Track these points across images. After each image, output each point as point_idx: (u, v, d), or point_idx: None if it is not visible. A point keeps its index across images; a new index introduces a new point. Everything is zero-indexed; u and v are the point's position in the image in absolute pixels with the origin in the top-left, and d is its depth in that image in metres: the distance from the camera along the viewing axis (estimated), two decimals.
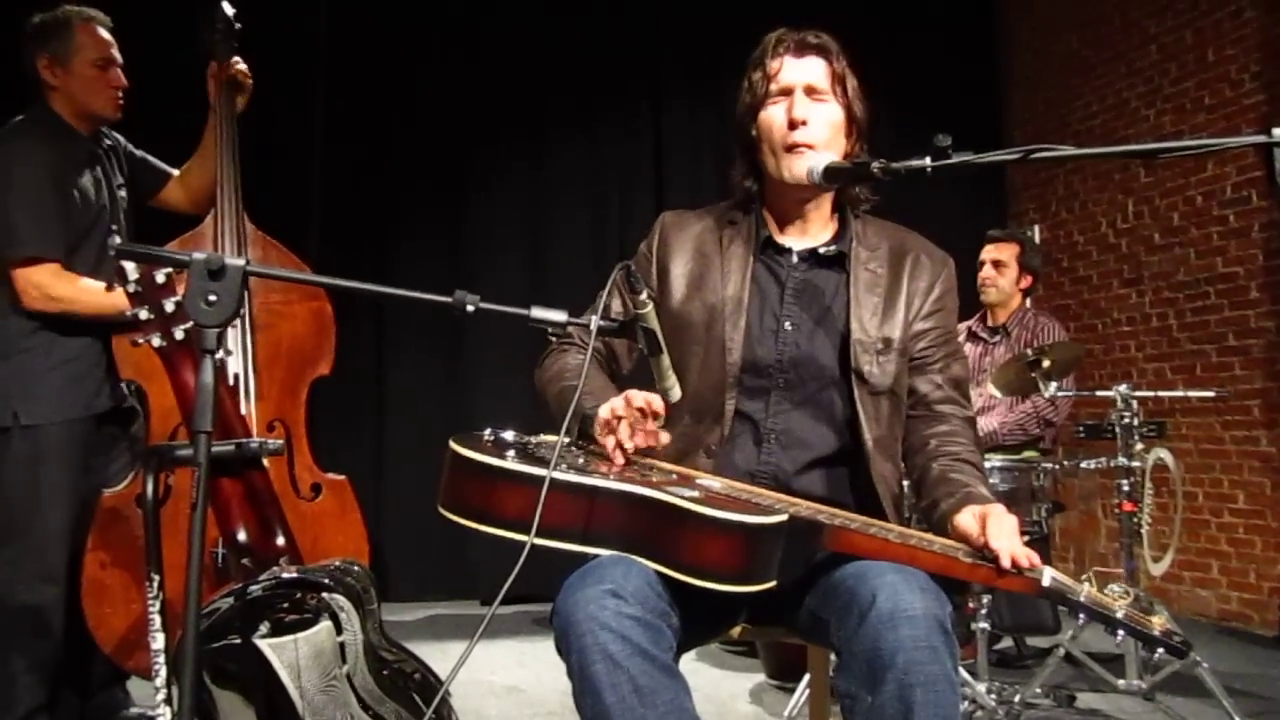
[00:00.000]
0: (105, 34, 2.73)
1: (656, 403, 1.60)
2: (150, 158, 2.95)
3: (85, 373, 2.64)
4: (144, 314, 2.14)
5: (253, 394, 2.74)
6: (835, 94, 1.77)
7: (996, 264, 3.92)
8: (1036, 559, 1.52)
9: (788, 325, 1.79)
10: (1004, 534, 1.51)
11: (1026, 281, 3.94)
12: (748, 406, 1.77)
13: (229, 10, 2.84)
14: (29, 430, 2.57)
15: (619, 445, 1.59)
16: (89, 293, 2.56)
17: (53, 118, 2.68)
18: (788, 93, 1.76)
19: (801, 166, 1.74)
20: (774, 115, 1.77)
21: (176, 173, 2.98)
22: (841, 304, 1.80)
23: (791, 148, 1.75)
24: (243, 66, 2.87)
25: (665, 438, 1.63)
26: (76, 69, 2.67)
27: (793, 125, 1.75)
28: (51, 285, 2.55)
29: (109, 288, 2.24)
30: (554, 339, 1.87)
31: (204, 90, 2.87)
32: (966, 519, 1.58)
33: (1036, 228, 5.73)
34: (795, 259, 1.83)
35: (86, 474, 2.65)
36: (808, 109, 1.75)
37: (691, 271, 1.83)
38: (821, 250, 1.83)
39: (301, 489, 2.78)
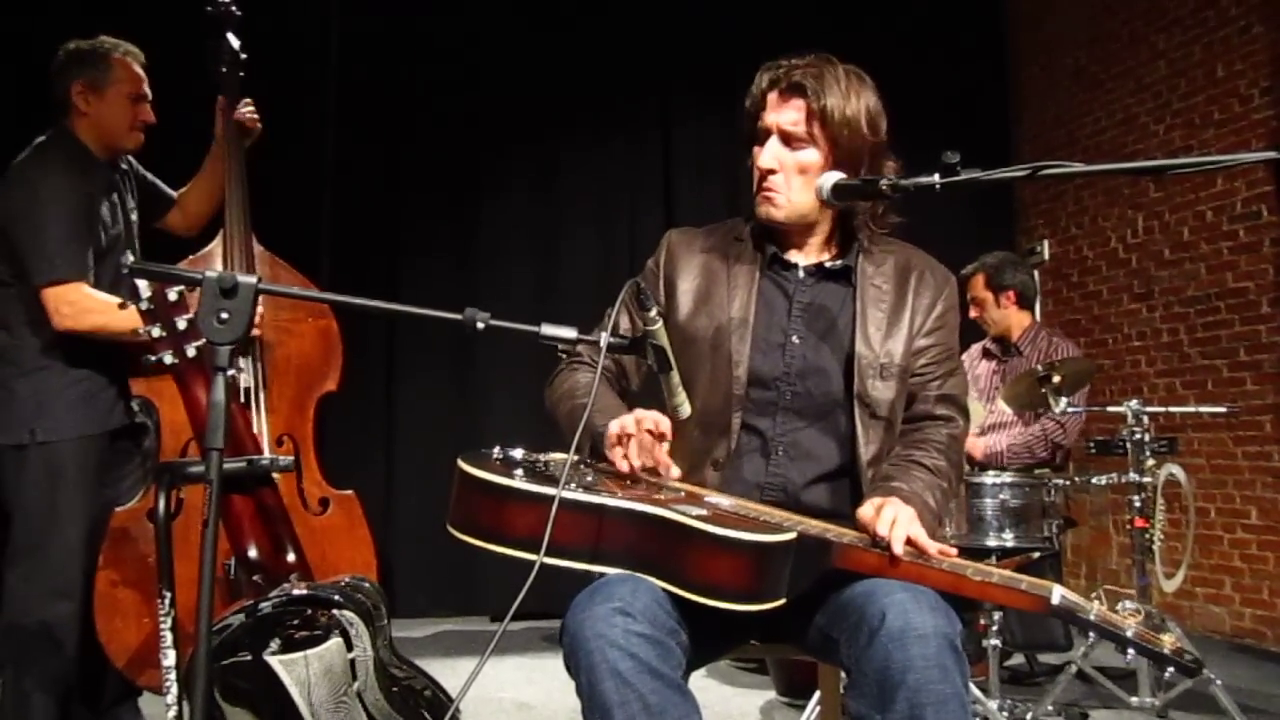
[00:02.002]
0: (140, 70, 2.77)
1: (664, 424, 1.61)
2: (158, 181, 2.97)
3: (100, 389, 2.65)
4: (156, 331, 2.17)
5: (263, 409, 2.76)
6: (813, 135, 1.76)
7: (974, 301, 3.99)
8: (940, 549, 1.53)
9: (795, 339, 1.80)
10: (895, 522, 1.52)
11: (1009, 299, 3.95)
12: (755, 421, 1.78)
13: (235, 43, 2.86)
14: (45, 447, 2.58)
15: (628, 462, 1.60)
16: (119, 312, 2.57)
17: (75, 142, 2.70)
18: (767, 135, 1.79)
19: (765, 211, 1.80)
20: (755, 156, 1.81)
21: (177, 196, 3.00)
22: (848, 318, 1.82)
23: (759, 192, 1.80)
24: (252, 111, 2.89)
25: (676, 472, 1.65)
26: (110, 98, 2.70)
27: (761, 174, 1.80)
28: (84, 303, 2.56)
29: (122, 305, 2.26)
30: (564, 356, 1.88)
31: (206, 114, 2.88)
32: (865, 509, 1.60)
33: (1046, 243, 5.73)
34: (802, 274, 1.85)
35: (100, 490, 2.66)
36: (776, 156, 1.78)
37: (698, 288, 1.85)
38: (828, 265, 1.85)
39: (310, 504, 2.80)
